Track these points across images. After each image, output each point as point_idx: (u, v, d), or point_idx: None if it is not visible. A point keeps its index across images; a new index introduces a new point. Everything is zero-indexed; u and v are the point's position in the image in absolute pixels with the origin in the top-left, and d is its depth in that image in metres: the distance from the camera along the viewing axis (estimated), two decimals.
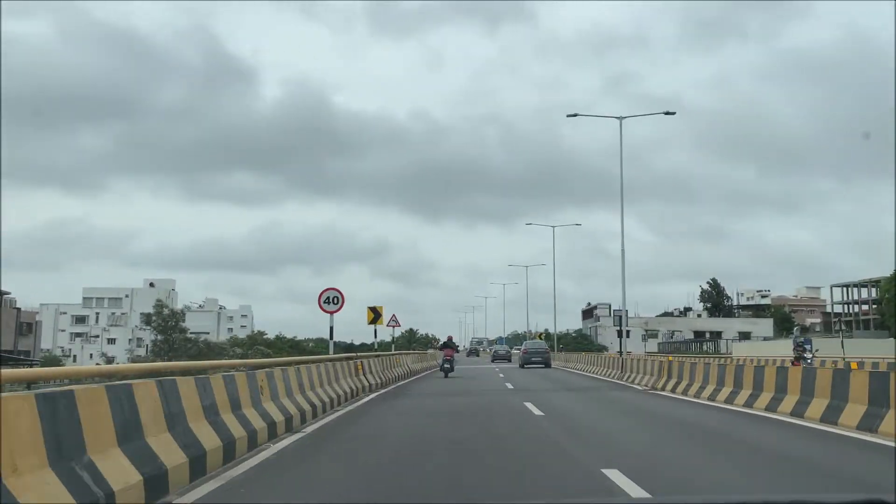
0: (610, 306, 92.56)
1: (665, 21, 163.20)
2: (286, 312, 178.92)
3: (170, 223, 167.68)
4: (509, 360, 49.95)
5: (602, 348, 66.36)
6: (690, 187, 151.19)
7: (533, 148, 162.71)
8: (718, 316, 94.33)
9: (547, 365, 38.04)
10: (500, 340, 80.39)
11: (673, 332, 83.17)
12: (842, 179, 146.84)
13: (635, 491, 5.48)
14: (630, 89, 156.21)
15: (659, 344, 71.48)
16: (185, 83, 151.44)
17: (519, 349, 47.21)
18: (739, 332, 68.30)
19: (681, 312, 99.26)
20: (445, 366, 26.81)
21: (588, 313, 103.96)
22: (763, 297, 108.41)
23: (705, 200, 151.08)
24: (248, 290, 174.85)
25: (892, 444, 7.89)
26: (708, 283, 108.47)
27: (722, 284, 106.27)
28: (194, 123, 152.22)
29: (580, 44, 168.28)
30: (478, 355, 76.92)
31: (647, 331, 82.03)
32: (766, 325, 78.69)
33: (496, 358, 52.93)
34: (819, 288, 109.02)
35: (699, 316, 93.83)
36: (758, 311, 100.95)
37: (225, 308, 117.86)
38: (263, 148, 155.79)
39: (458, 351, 32.99)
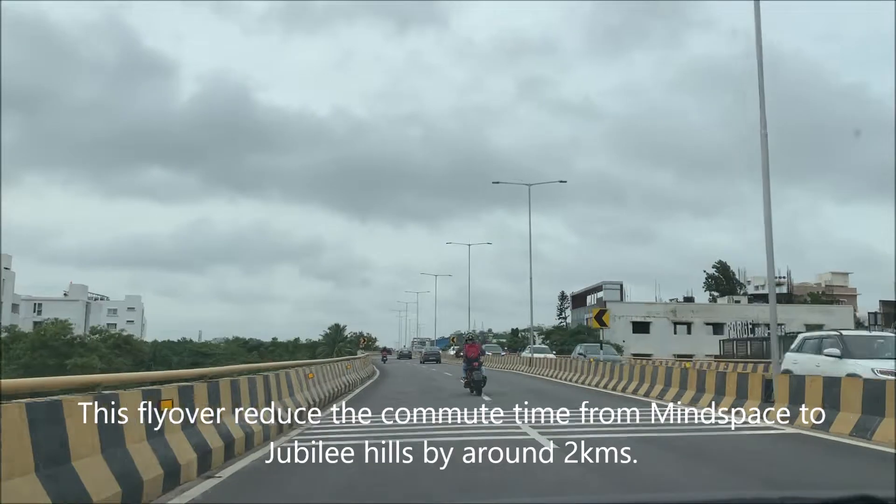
0: (621, 286, 75.40)
1: (573, 28, 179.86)
2: (215, 312, 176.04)
3: (88, 220, 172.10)
4: (410, 357, 74.96)
5: (616, 349, 48.68)
6: (612, 190, 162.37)
7: (457, 148, 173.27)
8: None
9: (438, 362, 57.04)
10: (417, 343, 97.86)
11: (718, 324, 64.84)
12: (756, 184, 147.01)
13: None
14: (544, 94, 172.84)
15: (733, 342, 50.40)
16: (97, 77, 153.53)
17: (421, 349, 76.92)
18: (806, 325, 50.92)
19: (679, 303, 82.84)
20: (382, 360, 55.99)
21: (580, 300, 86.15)
22: (779, 283, 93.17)
23: (628, 203, 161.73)
24: (173, 288, 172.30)
25: None
26: (714, 266, 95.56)
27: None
28: (107, 119, 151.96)
29: (493, 48, 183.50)
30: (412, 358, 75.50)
31: (676, 322, 64.57)
32: (844, 316, 62.19)
33: (401, 356, 77.22)
34: (847, 274, 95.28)
35: (738, 302, 76.55)
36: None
37: (106, 298, 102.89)
38: (181, 144, 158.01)
39: (390, 353, 73.22)
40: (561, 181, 50.26)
